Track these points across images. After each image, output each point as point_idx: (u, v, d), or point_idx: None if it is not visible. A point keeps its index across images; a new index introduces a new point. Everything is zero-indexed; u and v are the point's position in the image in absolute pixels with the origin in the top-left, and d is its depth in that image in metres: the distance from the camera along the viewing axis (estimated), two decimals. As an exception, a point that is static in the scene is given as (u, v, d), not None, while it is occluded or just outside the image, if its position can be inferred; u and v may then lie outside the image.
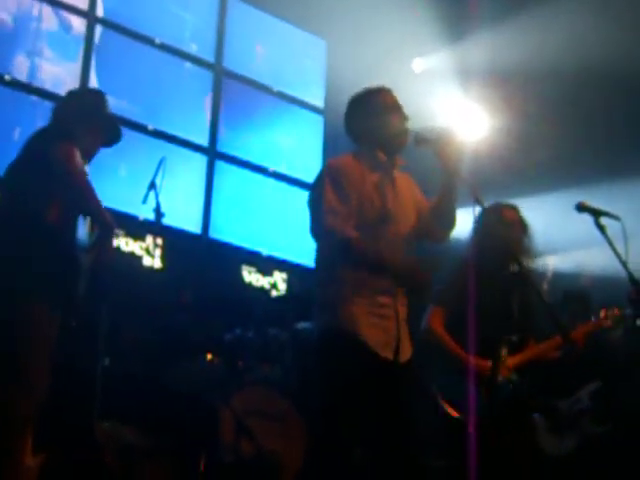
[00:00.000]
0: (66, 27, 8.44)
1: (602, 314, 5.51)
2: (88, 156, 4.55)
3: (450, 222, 4.42)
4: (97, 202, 4.31)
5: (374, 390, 4.10)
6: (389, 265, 4.12)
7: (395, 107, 4.45)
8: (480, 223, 5.01)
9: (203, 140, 9.16)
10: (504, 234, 5.10)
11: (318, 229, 4.28)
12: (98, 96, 4.81)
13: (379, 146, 4.39)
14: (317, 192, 4.32)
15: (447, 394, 4.95)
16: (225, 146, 9.32)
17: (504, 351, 5.08)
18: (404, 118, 4.42)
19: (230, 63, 9.58)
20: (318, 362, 4.25)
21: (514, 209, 5.31)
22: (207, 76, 9.39)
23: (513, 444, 4.97)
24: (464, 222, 4.63)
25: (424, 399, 5.00)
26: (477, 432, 4.69)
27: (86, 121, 4.54)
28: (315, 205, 4.32)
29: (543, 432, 6.40)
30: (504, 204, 5.31)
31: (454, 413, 4.84)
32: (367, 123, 4.45)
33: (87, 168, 4.48)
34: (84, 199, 4.28)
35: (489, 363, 4.98)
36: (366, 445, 4.24)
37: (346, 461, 4.06)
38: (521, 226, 5.24)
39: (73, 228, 4.27)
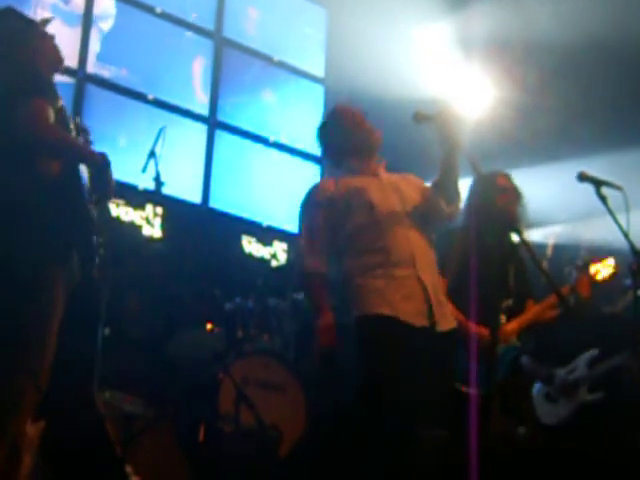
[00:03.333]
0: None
1: (596, 265, 5.46)
2: (53, 62, 4.25)
3: (455, 195, 4.44)
4: (74, 148, 4.09)
5: (416, 362, 4.07)
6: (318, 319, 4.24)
7: (354, 116, 4.60)
8: (474, 191, 5.02)
9: (203, 109, 9.13)
10: (497, 201, 5.08)
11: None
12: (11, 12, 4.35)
13: (354, 156, 4.53)
14: (299, 220, 4.54)
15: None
16: (225, 115, 9.30)
17: (502, 317, 5.10)
18: (366, 121, 4.58)
19: (230, 32, 9.53)
20: (360, 350, 4.22)
21: (507, 176, 5.31)
22: (207, 45, 9.35)
23: (515, 411, 5.02)
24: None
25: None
26: (481, 402, 4.74)
27: (26, 36, 4.19)
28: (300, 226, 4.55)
29: (540, 400, 6.43)
30: (497, 172, 5.29)
31: (460, 386, 4.85)
32: (336, 139, 4.61)
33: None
34: (61, 154, 4.07)
35: (488, 330, 5.00)
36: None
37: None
38: (514, 193, 5.24)
39: (77, 177, 4.14)
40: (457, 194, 4.43)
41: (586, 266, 5.45)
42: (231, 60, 9.50)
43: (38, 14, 8.04)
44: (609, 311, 6.46)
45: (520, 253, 5.15)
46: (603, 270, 5.36)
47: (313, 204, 4.46)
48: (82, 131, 4.30)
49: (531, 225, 5.23)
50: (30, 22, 4.34)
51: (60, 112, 4.11)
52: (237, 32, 9.60)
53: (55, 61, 4.30)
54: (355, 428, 4.09)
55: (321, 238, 4.36)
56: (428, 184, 4.51)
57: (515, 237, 5.03)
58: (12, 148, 3.99)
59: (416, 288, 4.21)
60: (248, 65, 9.62)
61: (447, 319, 4.27)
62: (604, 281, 5.39)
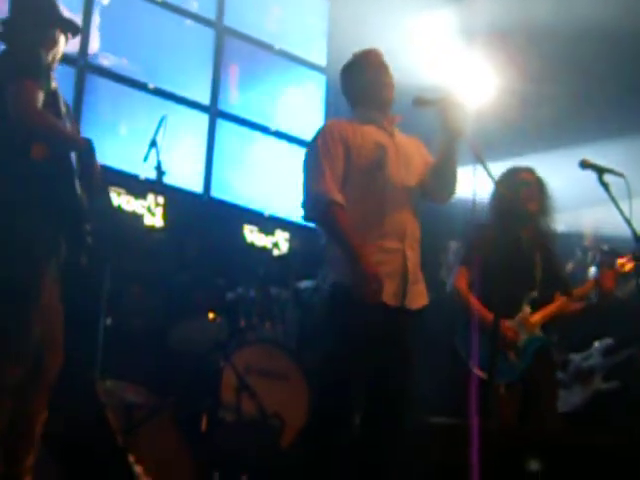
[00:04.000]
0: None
1: (620, 260, 5.47)
2: (53, 56, 4.29)
3: (450, 183, 4.45)
4: (58, 133, 4.08)
5: (381, 339, 4.15)
6: (350, 251, 4.14)
7: (379, 64, 4.57)
8: (497, 187, 5.05)
9: (204, 98, 9.11)
10: (521, 195, 5.17)
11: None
12: None
13: (371, 104, 4.51)
14: (310, 155, 4.45)
15: (475, 354, 4.99)
16: (226, 104, 9.28)
17: (527, 308, 5.14)
18: (389, 75, 4.54)
19: (231, 20, 9.50)
20: (328, 315, 4.32)
21: (530, 171, 5.38)
22: (208, 34, 9.32)
23: (536, 399, 5.07)
24: (467, 181, 4.63)
25: (453, 357, 5.12)
26: (509, 393, 4.82)
27: (39, 24, 4.24)
28: (307, 167, 4.44)
29: None
30: (520, 167, 5.39)
31: (481, 373, 4.87)
32: (356, 84, 4.59)
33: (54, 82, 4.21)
34: (45, 137, 4.03)
35: (511, 323, 5.08)
36: (370, 394, 4.27)
37: (350, 415, 4.13)
38: (537, 187, 5.28)
39: (67, 164, 4.11)
40: (454, 180, 4.42)
41: (610, 260, 5.48)
42: (232, 49, 9.47)
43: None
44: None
45: (550, 244, 5.22)
46: (628, 264, 5.39)
47: (331, 135, 4.38)
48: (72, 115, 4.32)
49: (557, 215, 5.27)
50: (60, 14, 4.38)
51: (52, 94, 4.11)
52: (238, 21, 9.57)
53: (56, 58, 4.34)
54: (326, 401, 4.19)
55: (339, 170, 4.31)
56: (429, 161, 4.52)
57: (540, 228, 5.18)
58: (2, 132, 4.00)
59: (399, 264, 4.25)
60: (250, 54, 9.59)
61: (419, 297, 4.33)
62: (628, 274, 5.43)
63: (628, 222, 4.30)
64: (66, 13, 4.47)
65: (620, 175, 4.45)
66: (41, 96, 3.96)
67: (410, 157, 4.46)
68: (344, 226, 4.18)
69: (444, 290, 5.93)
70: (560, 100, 8.54)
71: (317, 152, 4.36)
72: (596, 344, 6.43)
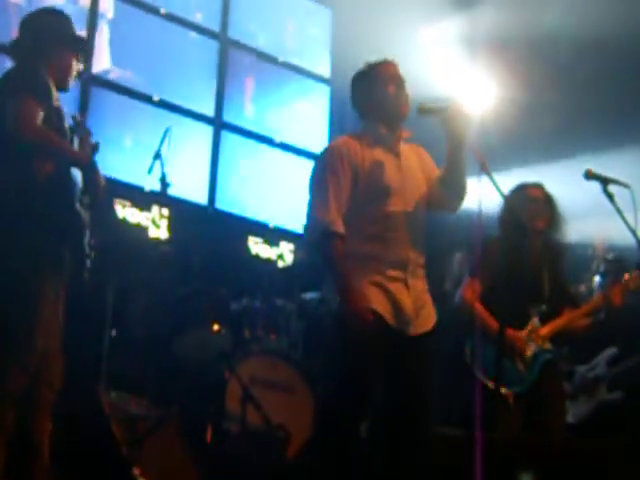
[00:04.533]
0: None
1: (627, 276, 5.46)
2: (64, 78, 4.33)
3: (460, 191, 4.43)
4: (56, 148, 4.11)
5: (385, 359, 4.16)
6: (341, 283, 4.15)
7: (395, 78, 4.48)
8: (506, 202, 5.06)
9: (209, 110, 9.12)
10: (527, 211, 5.16)
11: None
12: (50, 14, 4.55)
13: (382, 119, 4.43)
14: (316, 176, 4.42)
15: (484, 365, 5.00)
16: (231, 116, 9.29)
17: (536, 321, 5.16)
18: (405, 88, 4.46)
19: (235, 33, 9.51)
20: (336, 332, 4.30)
21: (539, 187, 5.40)
22: (212, 46, 9.33)
23: (544, 410, 5.07)
24: (472, 191, 4.63)
25: (461, 370, 5.13)
26: (514, 403, 4.82)
27: (47, 45, 4.29)
28: (312, 190, 4.42)
29: None
30: (529, 183, 5.40)
31: (490, 384, 4.87)
32: (369, 95, 4.50)
33: (59, 101, 4.23)
34: (42, 152, 4.07)
35: (521, 333, 5.10)
36: (376, 414, 4.27)
37: (356, 430, 4.12)
38: (546, 202, 5.28)
39: (67, 179, 4.12)
40: (463, 190, 4.41)
41: (615, 268, 5.49)
42: (237, 61, 9.48)
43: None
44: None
45: (558, 260, 5.22)
46: (634, 281, 5.39)
47: (341, 160, 4.33)
48: (84, 131, 4.32)
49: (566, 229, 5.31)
50: (69, 33, 4.41)
51: (55, 112, 4.13)
52: (242, 33, 9.58)
53: (61, 80, 4.34)
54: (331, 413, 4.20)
55: (345, 197, 4.28)
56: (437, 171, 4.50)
57: (549, 243, 5.24)
58: (3, 147, 4.04)
59: (402, 295, 4.23)
60: (254, 66, 9.61)
61: (424, 323, 4.31)
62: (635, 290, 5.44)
63: (634, 233, 4.29)
64: (79, 32, 4.52)
65: (625, 186, 4.45)
66: (40, 113, 3.99)
67: (416, 178, 4.43)
68: (339, 259, 4.18)
69: (448, 302, 5.94)
70: (562, 109, 8.54)
71: (324, 176, 4.33)
72: (602, 354, 6.42)
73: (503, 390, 4.90)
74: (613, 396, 6.29)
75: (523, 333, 5.12)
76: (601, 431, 6.23)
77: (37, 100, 4.00)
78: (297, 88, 9.85)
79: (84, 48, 4.51)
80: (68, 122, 4.27)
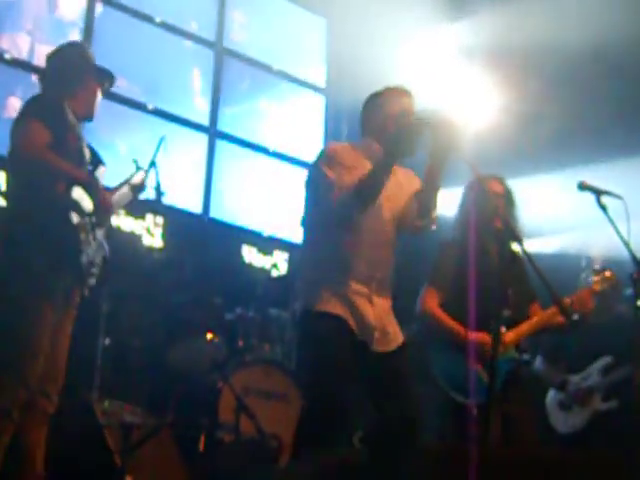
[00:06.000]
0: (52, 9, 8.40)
1: (595, 278, 5.41)
2: (88, 110, 4.55)
3: (431, 210, 4.33)
4: (59, 169, 4.24)
5: (353, 365, 4.12)
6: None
7: (409, 113, 4.38)
8: (465, 197, 5.01)
9: (203, 119, 9.13)
10: (489, 206, 4.96)
11: (314, 205, 4.37)
12: (74, 48, 4.80)
13: (379, 142, 4.38)
14: (314, 173, 4.39)
15: (448, 377, 4.94)
16: (225, 125, 9.30)
17: (501, 327, 5.06)
18: (407, 113, 4.37)
19: (230, 42, 9.53)
20: (301, 338, 4.35)
21: (499, 181, 5.26)
22: (207, 54, 9.35)
23: (515, 421, 4.99)
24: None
25: (424, 382, 5.02)
26: (481, 413, 4.72)
27: (71, 78, 4.51)
28: (310, 186, 4.41)
29: (554, 408, 6.41)
30: (489, 176, 5.19)
31: (457, 397, 4.84)
32: (373, 118, 4.47)
33: (82, 130, 4.47)
34: (46, 173, 4.22)
35: (489, 337, 4.97)
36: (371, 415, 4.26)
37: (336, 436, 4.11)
38: (507, 197, 5.20)
39: (65, 196, 4.23)
40: (433, 208, 4.33)
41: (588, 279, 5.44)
42: (231, 69, 9.49)
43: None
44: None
45: (519, 261, 5.10)
46: (603, 282, 5.33)
47: (337, 152, 4.32)
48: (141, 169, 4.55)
49: (526, 231, 5.14)
50: (92, 66, 4.63)
51: (72, 140, 4.30)
52: (237, 42, 9.59)
53: (87, 112, 4.55)
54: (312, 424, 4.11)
55: (345, 179, 4.20)
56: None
57: (514, 245, 4.99)
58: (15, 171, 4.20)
59: (366, 310, 4.20)
60: (248, 75, 9.62)
61: (389, 343, 4.25)
62: (604, 293, 5.36)
63: (626, 244, 4.29)
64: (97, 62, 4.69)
65: (618, 197, 4.45)
66: (46, 135, 4.15)
67: (397, 199, 4.36)
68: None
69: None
70: (557, 120, 8.55)
71: (324, 169, 4.28)
72: (595, 363, 6.41)
73: (463, 400, 4.83)
74: (608, 405, 6.29)
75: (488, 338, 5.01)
76: (596, 441, 6.22)
77: (44, 123, 4.17)
78: (292, 97, 9.86)
79: (107, 79, 4.67)
80: (94, 152, 4.57)
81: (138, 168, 4.75)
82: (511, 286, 4.86)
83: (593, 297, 5.25)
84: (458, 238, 5.08)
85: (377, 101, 4.50)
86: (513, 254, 4.90)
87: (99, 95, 4.61)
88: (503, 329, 5.04)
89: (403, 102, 4.45)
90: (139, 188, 4.69)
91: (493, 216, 4.94)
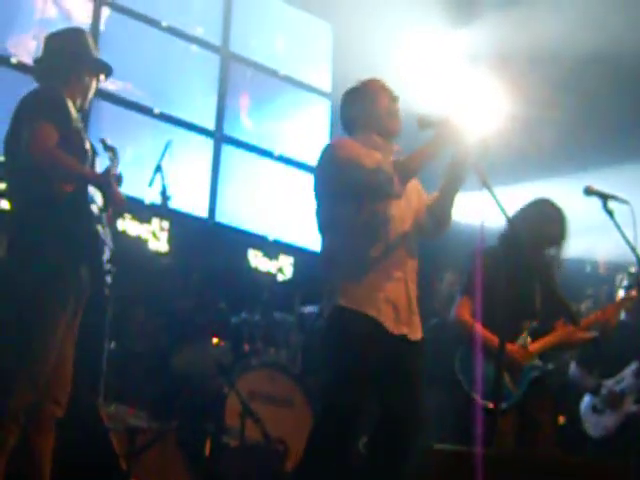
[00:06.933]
0: (64, 16, 8.42)
1: (621, 296, 5.46)
2: (83, 100, 4.45)
3: (447, 219, 4.39)
4: (69, 170, 4.18)
5: (384, 365, 4.13)
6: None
7: (388, 91, 4.48)
8: (519, 215, 5.03)
9: (209, 123, 9.14)
10: (541, 227, 5.14)
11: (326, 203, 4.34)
12: (74, 33, 4.65)
13: (375, 132, 4.41)
14: (322, 172, 4.39)
15: (474, 382, 4.98)
16: (232, 130, 9.31)
17: (526, 337, 5.14)
18: (397, 102, 4.47)
19: (236, 46, 9.54)
20: (330, 337, 4.26)
21: (554, 206, 5.31)
22: (214, 59, 9.36)
23: (534, 426, 5.06)
24: (472, 206, 4.60)
25: (454, 389, 5.11)
26: (505, 420, 4.78)
27: (67, 64, 4.40)
28: (320, 187, 4.39)
29: (587, 413, 6.42)
30: (547, 200, 5.31)
31: (489, 404, 4.85)
32: (362, 108, 4.50)
33: (80, 122, 4.35)
34: (60, 175, 4.18)
35: (517, 348, 5.09)
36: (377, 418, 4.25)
37: (352, 440, 4.11)
38: (561, 223, 5.26)
39: (82, 196, 4.19)
40: (449, 217, 4.38)
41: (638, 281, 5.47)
42: (237, 74, 9.51)
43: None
44: None
45: (552, 273, 5.17)
46: (630, 301, 5.39)
47: (352, 147, 4.31)
48: (109, 149, 4.43)
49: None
50: (90, 56, 4.51)
51: (75, 133, 4.20)
52: (243, 47, 9.60)
53: (81, 101, 4.45)
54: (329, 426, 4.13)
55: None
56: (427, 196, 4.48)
57: (548, 256, 5.16)
58: (23, 169, 4.13)
59: (402, 293, 4.22)
60: (254, 80, 9.63)
61: (418, 329, 4.29)
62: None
63: (633, 249, 4.29)
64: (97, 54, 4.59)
65: (625, 202, 4.45)
66: (55, 135, 4.09)
67: (410, 193, 4.37)
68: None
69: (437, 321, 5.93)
70: (562, 126, 8.56)
71: (342, 155, 4.30)
72: (629, 366, 6.41)
73: (490, 405, 4.86)
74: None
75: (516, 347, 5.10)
76: (630, 444, 6.19)
77: (52, 123, 4.10)
78: (298, 102, 9.87)
79: (104, 70, 4.56)
80: (91, 142, 4.39)
81: (106, 148, 4.55)
82: (539, 297, 4.95)
83: (618, 313, 5.31)
84: (496, 249, 5.10)
85: (359, 93, 4.54)
86: (546, 265, 4.99)
87: (94, 86, 4.50)
88: (529, 339, 5.15)
89: (382, 86, 4.52)
90: (118, 179, 4.50)
91: (543, 236, 5.14)
